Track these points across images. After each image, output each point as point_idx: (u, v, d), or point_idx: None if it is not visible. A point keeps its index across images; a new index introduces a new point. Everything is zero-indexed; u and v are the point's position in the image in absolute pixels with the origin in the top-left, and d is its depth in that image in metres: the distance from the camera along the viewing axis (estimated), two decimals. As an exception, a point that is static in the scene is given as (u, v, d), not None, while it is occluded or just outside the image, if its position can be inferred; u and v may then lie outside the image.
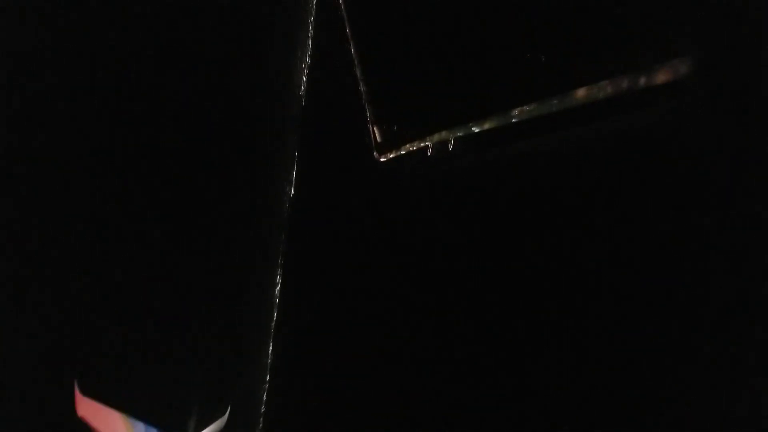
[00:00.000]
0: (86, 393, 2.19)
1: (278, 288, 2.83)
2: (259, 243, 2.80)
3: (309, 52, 2.59)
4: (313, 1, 2.50)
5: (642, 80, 1.36)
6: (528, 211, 1.68)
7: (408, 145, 2.04)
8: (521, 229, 1.69)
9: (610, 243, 1.46)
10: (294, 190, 2.80)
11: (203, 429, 2.36)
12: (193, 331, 2.47)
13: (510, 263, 1.71)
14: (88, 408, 2.19)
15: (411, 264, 2.08)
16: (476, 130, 1.77)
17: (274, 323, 2.76)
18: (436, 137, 1.92)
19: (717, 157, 1.17)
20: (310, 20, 2.52)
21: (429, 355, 1.95)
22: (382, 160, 2.19)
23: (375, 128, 2.20)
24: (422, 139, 1.97)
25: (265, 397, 2.71)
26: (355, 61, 2.24)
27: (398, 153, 2.09)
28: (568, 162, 1.57)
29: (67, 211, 2.19)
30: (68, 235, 2.21)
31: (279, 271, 2.83)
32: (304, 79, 2.63)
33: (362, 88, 2.24)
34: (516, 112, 1.67)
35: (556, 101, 1.56)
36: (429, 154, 2.00)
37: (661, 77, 1.32)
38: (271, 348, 2.74)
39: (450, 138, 1.90)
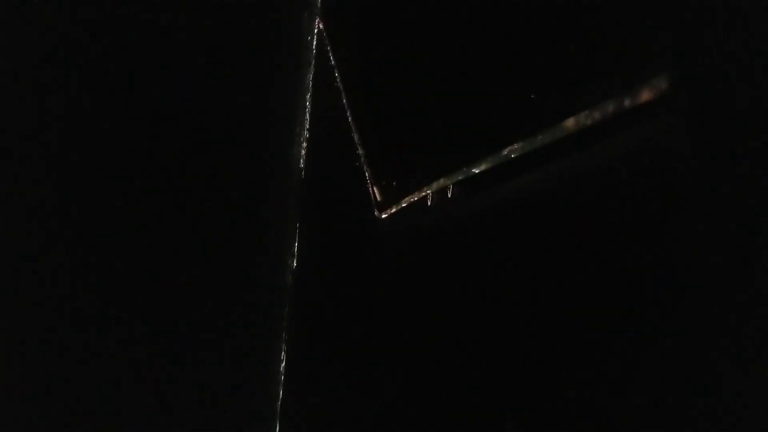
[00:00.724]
0: None
1: (283, 364, 2.75)
2: (261, 317, 2.77)
3: (307, 125, 2.70)
4: (309, 77, 2.64)
5: (627, 101, 1.43)
6: (531, 252, 1.69)
7: (408, 198, 2.08)
8: (527, 271, 1.69)
9: (617, 272, 1.45)
10: (296, 262, 2.80)
11: None
12: (194, 407, 2.38)
13: (521, 307, 1.69)
14: None
15: (422, 323, 2.05)
16: (475, 172, 1.82)
17: (280, 401, 2.67)
18: (434, 186, 1.96)
19: (711, 170, 1.20)
20: (308, 95, 2.65)
21: (440, 414, 1.88)
22: (383, 216, 2.23)
23: (375, 188, 2.25)
24: (421, 189, 2.02)
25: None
26: (352, 127, 2.34)
27: (399, 207, 2.13)
28: (567, 193, 1.60)
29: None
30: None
31: (283, 346, 2.77)
32: (303, 152, 2.72)
33: (360, 151, 2.31)
34: (509, 150, 1.72)
35: (547, 134, 1.62)
36: (429, 203, 2.03)
37: (645, 96, 1.39)
38: (278, 427, 2.63)
39: (448, 185, 1.94)
